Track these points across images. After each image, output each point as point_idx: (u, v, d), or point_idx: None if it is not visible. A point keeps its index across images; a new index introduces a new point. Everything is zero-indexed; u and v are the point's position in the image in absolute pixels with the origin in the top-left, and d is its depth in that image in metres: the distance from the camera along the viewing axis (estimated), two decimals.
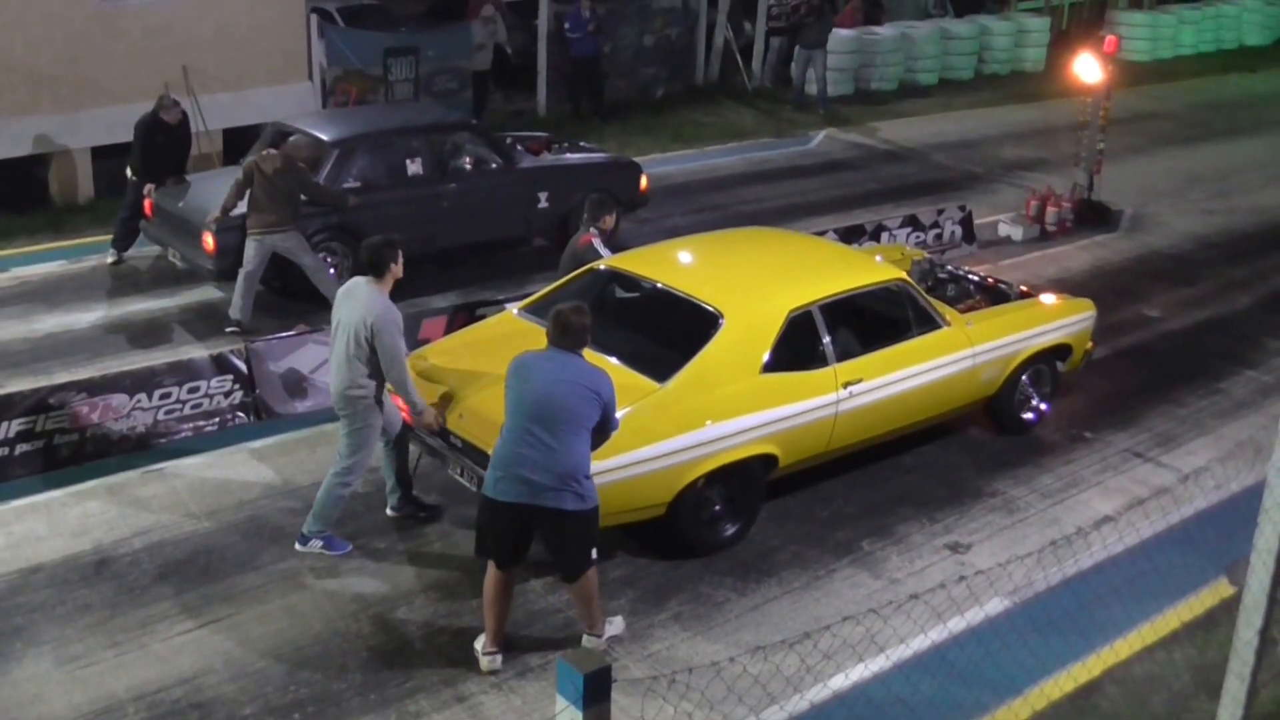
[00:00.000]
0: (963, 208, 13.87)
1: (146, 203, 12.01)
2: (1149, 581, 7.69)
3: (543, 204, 12.70)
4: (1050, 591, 7.53)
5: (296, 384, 9.52)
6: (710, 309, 7.86)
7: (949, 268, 10.45)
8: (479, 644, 6.78)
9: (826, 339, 8.04)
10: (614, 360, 7.62)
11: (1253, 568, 6.06)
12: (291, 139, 11.24)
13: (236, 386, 9.32)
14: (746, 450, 7.64)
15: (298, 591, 7.38)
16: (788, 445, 7.87)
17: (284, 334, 9.87)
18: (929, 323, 8.64)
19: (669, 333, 8.02)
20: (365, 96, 16.86)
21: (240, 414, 9.34)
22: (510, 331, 8.31)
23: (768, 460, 7.84)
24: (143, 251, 12.71)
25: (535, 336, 6.90)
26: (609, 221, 9.35)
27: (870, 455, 8.92)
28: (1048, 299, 9.76)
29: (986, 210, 14.95)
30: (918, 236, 13.26)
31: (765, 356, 7.78)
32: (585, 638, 6.92)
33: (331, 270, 11.34)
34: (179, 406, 9.07)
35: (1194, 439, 9.74)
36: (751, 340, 7.80)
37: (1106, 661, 7.02)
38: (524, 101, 19.67)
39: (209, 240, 10.96)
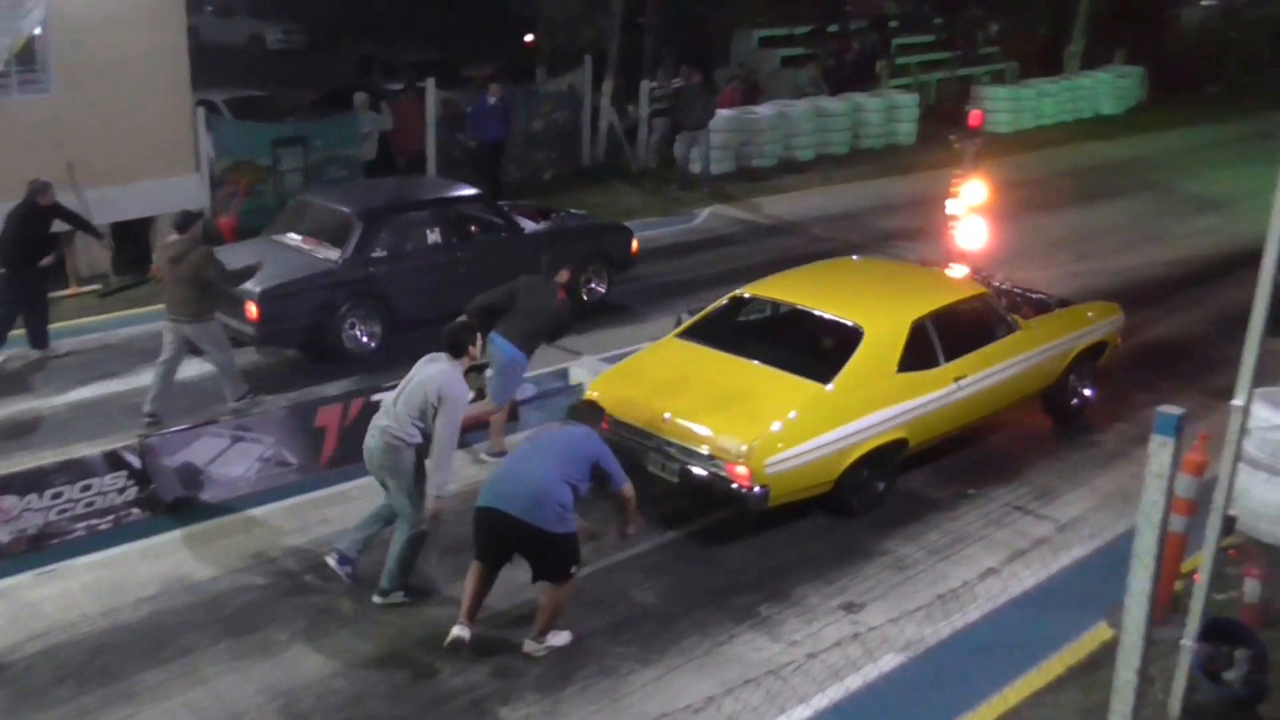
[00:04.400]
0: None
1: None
2: (1034, 629, 7.95)
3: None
4: (941, 645, 7.72)
5: (193, 477, 9.39)
6: (852, 324, 9.58)
7: (1000, 284, 11.92)
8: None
9: (938, 343, 9.70)
10: (777, 369, 9.34)
11: (1127, 611, 6.30)
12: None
13: (131, 482, 9.16)
14: (889, 436, 9.31)
15: (199, 687, 7.26)
16: (916, 431, 9.55)
17: (179, 428, 9.75)
18: (1006, 327, 10.41)
19: (820, 345, 9.84)
20: (254, 187, 16.82)
21: (135, 510, 9.18)
22: (679, 354, 9.94)
23: (902, 443, 9.45)
24: (18, 351, 12.42)
25: (701, 354, 9.65)
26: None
27: (768, 520, 9.09)
28: (1095, 308, 11.74)
29: None
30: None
31: (898, 360, 9.44)
32: (526, 642, 7.53)
33: (366, 339, 12.06)
34: (71, 505, 8.89)
35: (1071, 490, 10.07)
36: (887, 348, 9.46)
37: (998, 709, 7.20)
38: None
39: (252, 309, 11.53)
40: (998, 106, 27.69)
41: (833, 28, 31.45)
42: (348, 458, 9.89)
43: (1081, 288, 15.73)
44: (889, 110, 25.61)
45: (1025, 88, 29.09)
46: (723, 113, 22.15)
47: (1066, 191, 21.57)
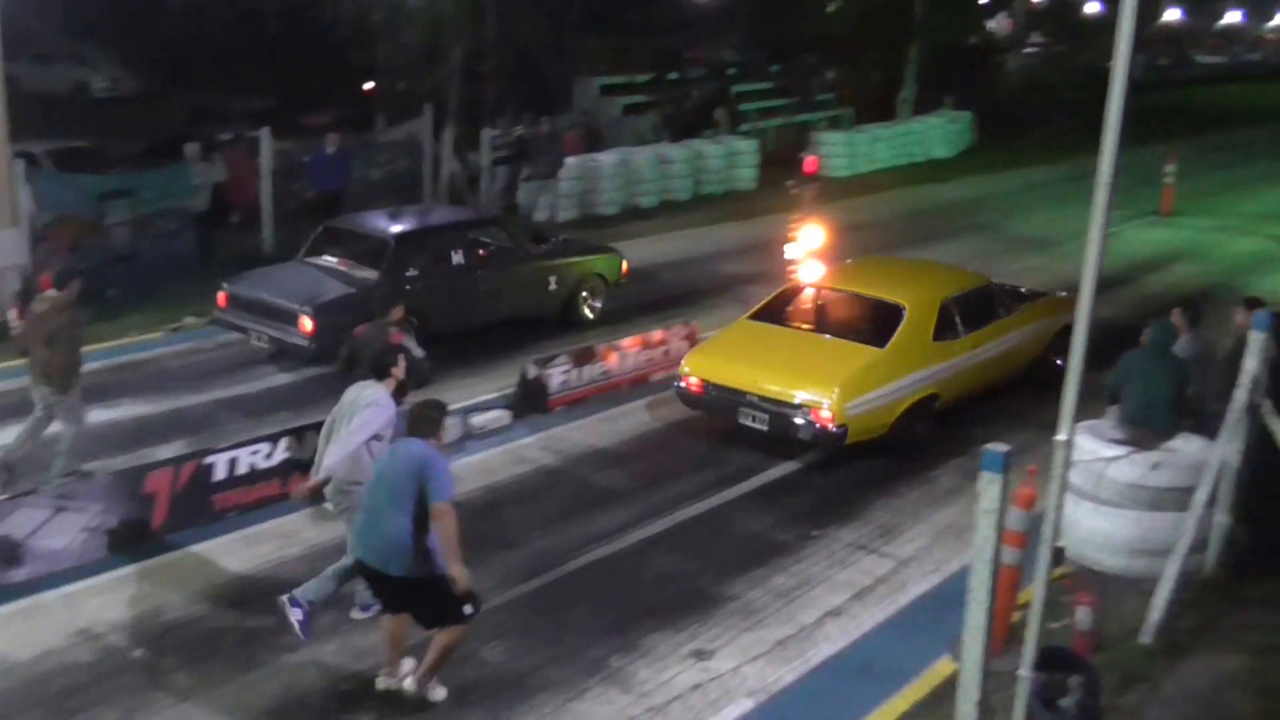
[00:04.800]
0: (687, 324, 14.37)
1: (221, 295, 13.80)
2: (880, 666, 8.09)
3: (552, 286, 15.27)
4: (790, 687, 7.80)
5: (10, 552, 8.95)
6: (894, 303, 11.89)
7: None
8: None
9: (958, 319, 12.05)
10: (838, 339, 11.81)
11: (965, 645, 6.47)
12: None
13: None
14: (927, 390, 11.63)
15: None
16: (945, 388, 11.82)
17: None
18: (1006, 309, 12.84)
19: (871, 319, 11.93)
20: (78, 242, 16.24)
21: None
22: (754, 331, 12.32)
23: (935, 398, 11.75)
24: None
25: (773, 330, 12.14)
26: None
27: (612, 569, 9.10)
28: (1061, 293, 13.93)
29: (713, 323, 15.46)
30: (648, 355, 13.64)
31: (932, 331, 11.79)
32: (408, 679, 7.43)
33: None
34: None
35: (911, 527, 10.31)
36: (923, 321, 11.79)
37: None
38: (250, 237, 19.32)
39: (307, 323, 12.73)
40: (834, 152, 28.48)
41: (673, 76, 31.98)
42: (180, 524, 9.59)
43: None
44: (730, 157, 26.10)
45: (860, 133, 29.99)
46: (567, 160, 22.30)
47: (902, 233, 22.20)
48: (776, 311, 12.58)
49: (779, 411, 11.15)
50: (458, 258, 14.30)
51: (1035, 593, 6.94)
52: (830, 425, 10.93)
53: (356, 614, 8.45)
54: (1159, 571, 8.56)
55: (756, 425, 11.34)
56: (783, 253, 15.75)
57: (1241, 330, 9.34)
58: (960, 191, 27.21)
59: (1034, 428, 12.14)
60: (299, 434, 10.30)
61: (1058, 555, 7.76)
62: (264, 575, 9.16)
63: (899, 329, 11.67)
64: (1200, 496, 8.62)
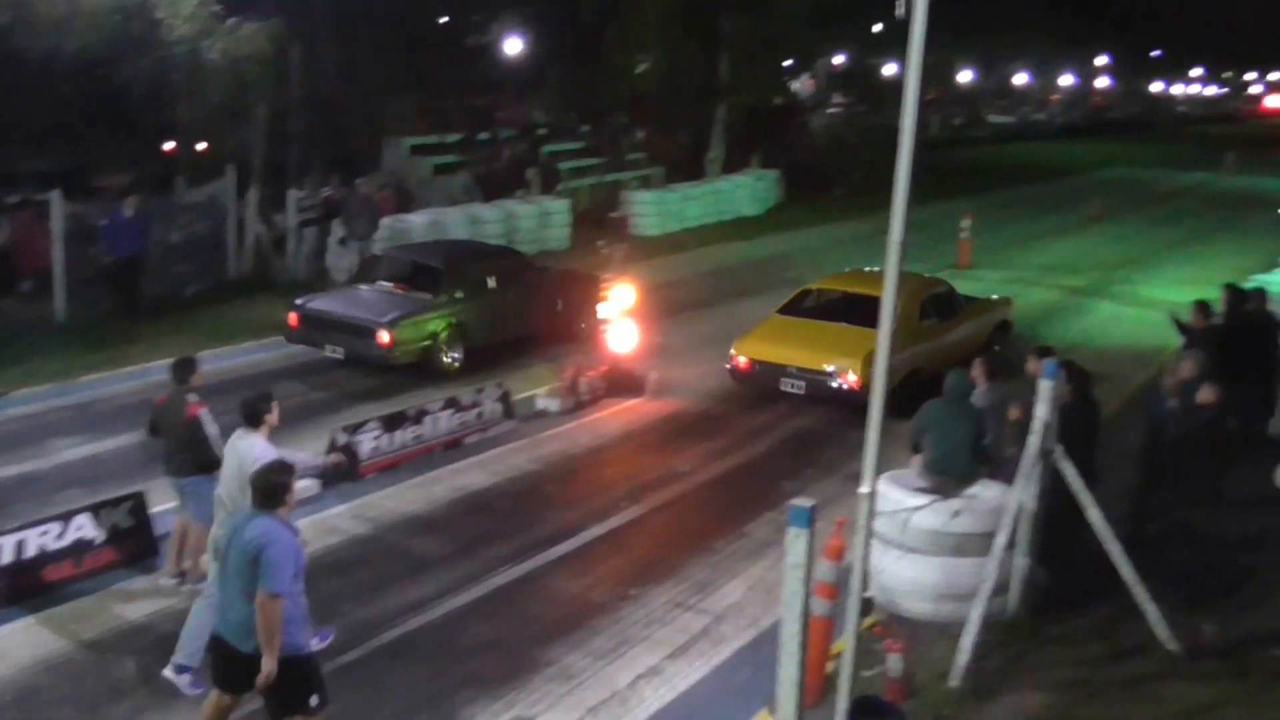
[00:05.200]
0: (500, 385, 14.34)
1: (292, 316, 16.28)
2: None
3: (559, 308, 17.76)
4: None
5: None
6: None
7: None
8: None
9: (933, 311, 15.62)
10: (851, 325, 14.63)
11: (779, 698, 6.58)
12: None
13: None
14: (916, 363, 14.52)
15: None
16: (926, 362, 14.63)
17: None
18: (963, 306, 16.61)
19: (873, 310, 13.24)
20: None
21: None
22: (785, 322, 15.86)
23: (920, 370, 14.43)
24: None
25: (800, 322, 15.62)
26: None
27: (429, 639, 8.94)
28: (996, 298, 18.33)
29: (525, 385, 15.54)
30: (460, 418, 13.55)
31: (917, 319, 15.15)
32: None
33: (454, 358, 16.16)
34: None
35: (726, 582, 10.43)
36: (912, 311, 15.11)
37: None
38: (41, 305, 18.51)
39: (384, 335, 15.30)
40: (645, 210, 28.93)
41: (484, 136, 32.06)
42: None
43: (735, 384, 16.47)
44: (542, 216, 26.24)
45: (670, 192, 30.55)
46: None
47: (713, 290, 22.65)
48: (798, 308, 16.27)
49: (814, 378, 14.54)
50: (492, 282, 16.89)
51: (847, 643, 7.12)
52: (856, 387, 14.10)
53: (169, 674, 8.18)
54: (965, 615, 8.85)
55: (795, 390, 14.80)
56: (596, 312, 15.96)
57: (1034, 379, 9.77)
58: (769, 248, 27.92)
59: (842, 478, 12.52)
60: (95, 511, 9.93)
61: (867, 605, 7.99)
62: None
63: (901, 316, 14.03)
64: (1000, 540, 8.97)
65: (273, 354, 17.14)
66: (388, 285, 16.83)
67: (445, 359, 16.10)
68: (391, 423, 12.84)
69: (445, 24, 34.67)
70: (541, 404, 14.99)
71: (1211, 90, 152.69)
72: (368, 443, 12.51)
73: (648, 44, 32.29)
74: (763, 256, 26.73)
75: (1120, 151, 63.17)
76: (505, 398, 14.24)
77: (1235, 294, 14.53)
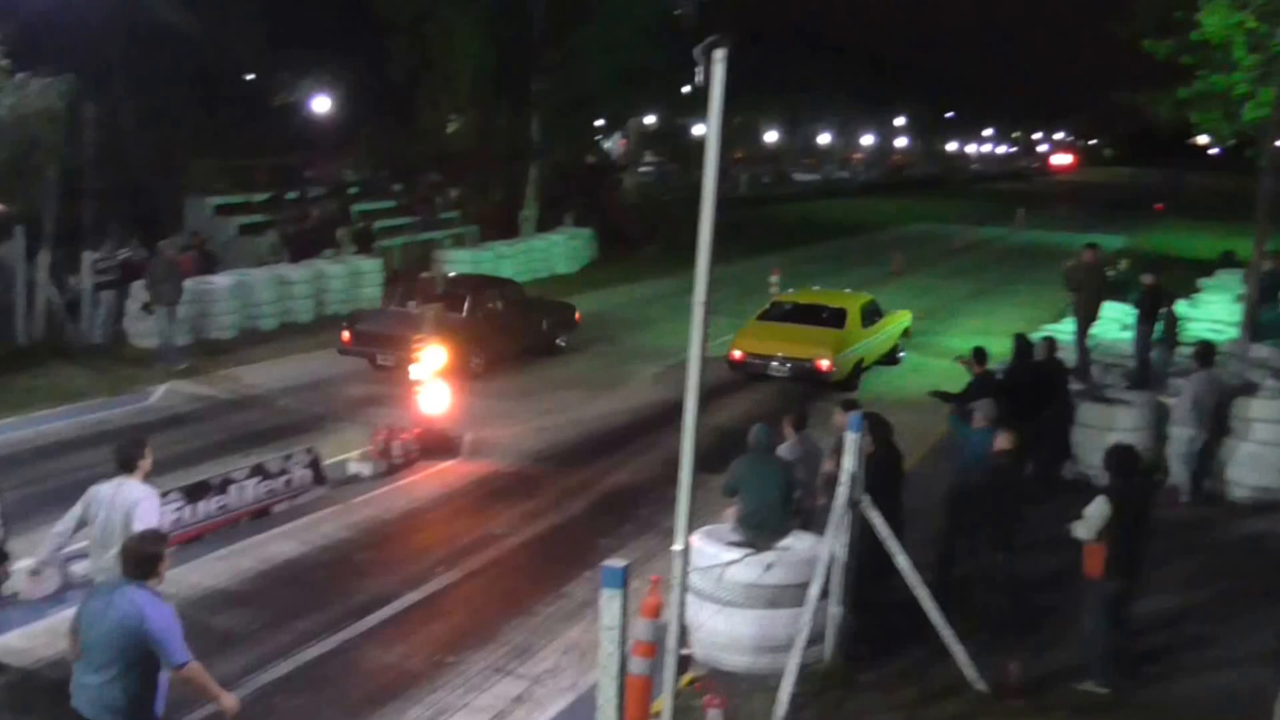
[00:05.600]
0: (310, 451, 13.98)
1: (345, 334, 20.02)
2: None
3: (544, 327, 22.09)
4: None
5: None
6: (841, 307, 20.39)
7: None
8: None
9: (867, 317, 20.15)
10: (818, 326, 19.78)
11: None
12: None
13: None
14: (860, 355, 19.64)
15: None
16: (867, 356, 19.86)
17: None
18: (883, 315, 21.53)
19: (829, 316, 20.07)
20: None
21: None
22: (765, 325, 20.57)
23: (863, 361, 19.87)
24: None
25: (776, 325, 20.41)
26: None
27: None
28: (901, 312, 23.16)
29: (336, 450, 15.17)
30: (268, 485, 13.14)
31: (860, 322, 19.92)
32: None
33: (475, 364, 19.64)
34: None
35: (545, 645, 10.32)
36: (856, 315, 20.01)
37: None
38: None
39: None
40: (459, 269, 28.70)
41: (292, 195, 31.50)
42: None
43: (550, 440, 16.47)
44: (353, 276, 25.87)
45: (485, 250, 30.53)
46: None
47: (529, 351, 22.57)
48: (771, 315, 21.11)
49: (796, 364, 19.25)
50: (499, 305, 20.91)
51: (665, 701, 7.10)
52: (828, 370, 18.94)
53: None
54: (782, 666, 8.95)
55: (780, 373, 19.41)
56: (408, 373, 15.74)
57: (841, 431, 10.00)
58: (584, 306, 27.76)
59: (658, 534, 12.56)
60: None
61: (685, 661, 8.00)
62: None
63: (847, 320, 20.32)
64: (813, 591, 9.11)
65: (68, 423, 16.39)
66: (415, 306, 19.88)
67: (472, 363, 19.38)
68: (194, 493, 12.36)
69: (252, 81, 34.05)
70: (353, 469, 14.66)
71: (1002, 149, 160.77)
72: (169, 515, 11.99)
73: (460, 103, 32.34)
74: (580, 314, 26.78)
75: (919, 208, 65.88)
76: (315, 463, 13.88)
77: (1023, 343, 15.28)
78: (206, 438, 15.96)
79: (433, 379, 15.42)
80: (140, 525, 7.80)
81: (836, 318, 20.35)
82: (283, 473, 13.39)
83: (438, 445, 15.45)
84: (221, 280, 23.00)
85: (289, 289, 24.23)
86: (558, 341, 22.29)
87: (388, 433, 15.07)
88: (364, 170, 36.16)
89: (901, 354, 22.26)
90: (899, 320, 22.56)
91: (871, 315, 21.06)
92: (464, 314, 19.68)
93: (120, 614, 6.35)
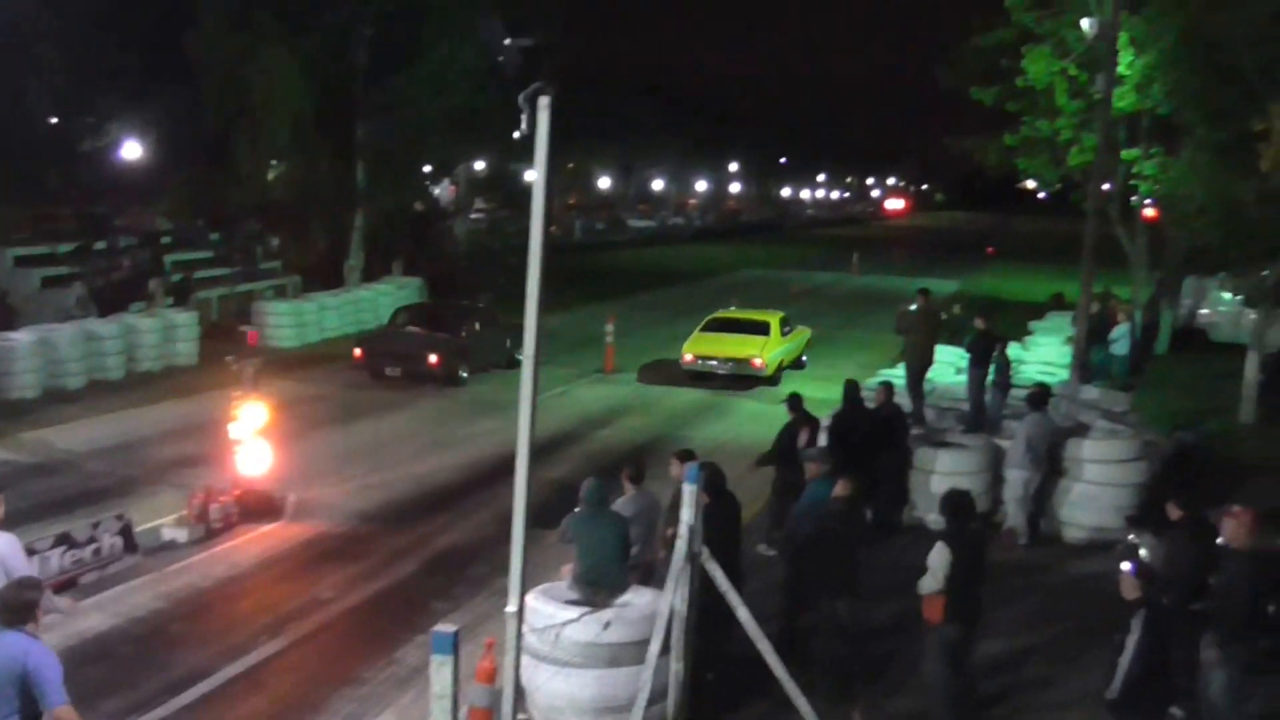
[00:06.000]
0: (120, 517, 13.45)
1: (357, 352, 24.52)
2: None
3: (509, 345, 24.97)
4: None
5: None
6: (766, 320, 26.46)
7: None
8: None
9: (784, 328, 26.48)
10: (750, 335, 25.69)
11: None
12: None
13: None
14: (782, 357, 25.82)
15: None
16: (786, 358, 26.04)
17: None
18: (793, 328, 27.51)
19: (756, 327, 26.04)
20: None
21: None
22: (707, 336, 26.14)
23: (783, 361, 25.98)
24: None
25: (716, 335, 26.10)
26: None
27: None
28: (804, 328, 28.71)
29: (149, 515, 14.65)
30: (74, 555, 12.59)
31: (781, 331, 26.12)
32: None
33: (464, 373, 24.70)
34: None
35: (376, 714, 10.10)
36: (777, 326, 26.23)
37: None
38: None
39: (433, 358, 23.80)
40: (281, 321, 28.30)
41: (100, 245, 30.45)
42: None
43: (380, 499, 16.19)
44: (166, 330, 25.14)
45: (308, 301, 30.00)
46: None
47: (356, 404, 22.29)
48: (711, 327, 26.51)
49: (736, 362, 24.83)
50: (479, 326, 25.88)
51: None
52: (761, 368, 24.70)
53: None
54: None
55: (724, 371, 24.88)
56: (227, 433, 15.30)
57: (679, 482, 10.05)
58: None
59: (493, 594, 12.41)
60: None
61: None
62: None
63: (772, 329, 25.94)
64: (654, 648, 9.10)
65: None
66: (417, 329, 25.35)
67: (461, 373, 24.32)
68: None
69: (56, 125, 32.90)
70: (168, 534, 14.17)
71: (836, 194, 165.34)
72: None
73: (280, 148, 31.79)
74: None
75: (755, 254, 67.21)
76: (126, 530, 13.36)
77: (852, 387, 15.64)
78: (8, 505, 15.18)
79: (252, 438, 15.03)
80: (15, 573, 7.88)
81: (763, 328, 26.02)
82: (91, 541, 12.84)
83: (259, 507, 15.04)
84: (22, 336, 22.09)
85: (97, 344, 23.39)
86: (516, 356, 23.64)
87: (205, 495, 14.61)
88: (179, 218, 35.21)
89: (804, 359, 27.79)
90: (804, 334, 28.42)
91: (785, 327, 26.73)
92: (454, 334, 25.14)
93: (5, 658, 6.49)
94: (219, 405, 17.83)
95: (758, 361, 24.80)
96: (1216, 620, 9.27)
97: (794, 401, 15.08)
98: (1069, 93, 27.00)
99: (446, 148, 35.94)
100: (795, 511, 11.59)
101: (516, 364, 22.76)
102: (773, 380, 24.85)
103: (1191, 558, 9.78)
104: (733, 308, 28.73)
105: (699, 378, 24.99)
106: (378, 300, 32.32)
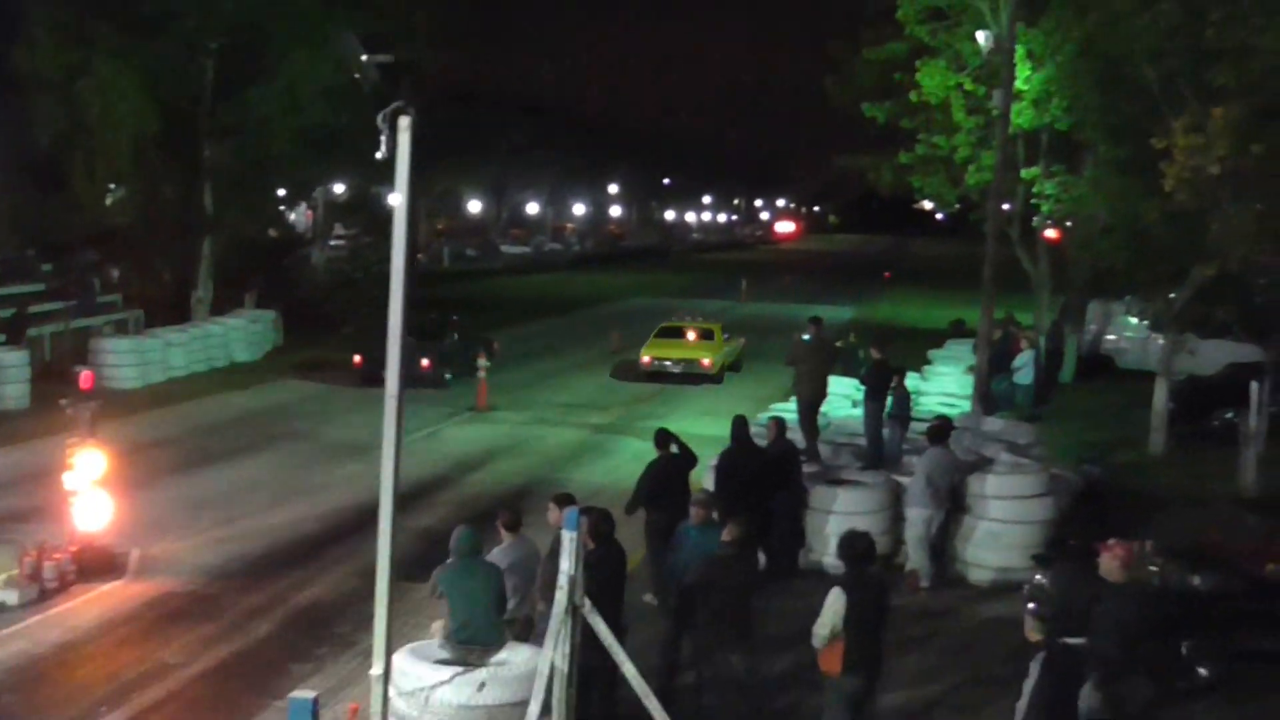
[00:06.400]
0: None
1: (357, 358, 27.98)
2: None
3: (474, 354, 28.67)
4: None
5: None
6: (710, 328, 33.87)
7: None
8: None
9: (723, 335, 33.75)
10: (700, 340, 32.74)
11: None
12: None
13: None
14: (725, 358, 32.73)
15: None
16: (727, 358, 32.82)
17: None
18: (731, 337, 34.61)
19: (706, 333, 33.17)
20: None
21: None
22: (662, 341, 32.62)
23: (725, 363, 32.74)
24: None
25: (668, 340, 32.75)
26: None
27: None
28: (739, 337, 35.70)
29: None
30: None
31: (722, 337, 33.44)
32: None
33: (449, 375, 28.97)
34: None
35: None
36: (719, 332, 33.68)
37: None
38: None
39: (425, 361, 27.54)
40: (122, 360, 27.77)
41: None
42: None
43: (233, 554, 15.91)
44: None
45: (151, 338, 29.47)
46: None
47: (206, 449, 21.89)
48: (663, 334, 32.52)
49: (687, 363, 30.65)
50: (456, 336, 30.69)
51: None
52: (710, 368, 30.48)
53: None
54: None
55: (676, 370, 30.53)
56: (61, 483, 14.91)
57: (557, 528, 10.01)
58: (268, 398, 27.45)
59: (357, 655, 12.27)
60: None
61: None
62: None
63: (715, 335, 32.57)
64: (534, 708, 9.03)
65: None
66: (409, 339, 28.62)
67: (445, 375, 28.56)
68: None
69: None
70: None
71: (723, 217, 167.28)
72: None
73: (120, 171, 31.20)
74: (262, 408, 26.24)
75: (639, 281, 67.58)
76: None
77: (741, 424, 15.48)
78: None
79: (90, 488, 14.66)
80: None
81: (709, 334, 33.09)
82: None
83: (98, 564, 14.68)
84: None
85: None
86: (478, 362, 28.19)
87: (38, 553, 14.20)
88: (6, 247, 34.35)
89: (739, 363, 33.84)
90: (739, 341, 34.86)
91: (725, 335, 33.56)
92: (444, 342, 29.77)
93: None
94: (53, 453, 17.35)
95: (706, 361, 31.35)
96: (1094, 660, 9.47)
97: (661, 438, 14.72)
98: (966, 108, 27.52)
99: (303, 169, 35.67)
100: (678, 559, 11.60)
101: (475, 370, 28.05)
102: (717, 379, 31.32)
103: (1085, 595, 10.04)
104: (675, 318, 35.93)
105: (656, 376, 31.18)
106: (228, 336, 31.84)
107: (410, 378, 25.22)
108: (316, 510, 18.20)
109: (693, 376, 30.76)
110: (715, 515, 11.68)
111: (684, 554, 11.53)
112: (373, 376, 25.30)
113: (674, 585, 11.56)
